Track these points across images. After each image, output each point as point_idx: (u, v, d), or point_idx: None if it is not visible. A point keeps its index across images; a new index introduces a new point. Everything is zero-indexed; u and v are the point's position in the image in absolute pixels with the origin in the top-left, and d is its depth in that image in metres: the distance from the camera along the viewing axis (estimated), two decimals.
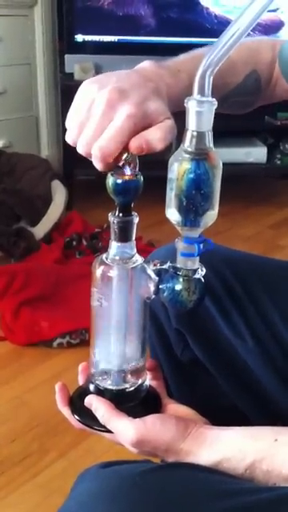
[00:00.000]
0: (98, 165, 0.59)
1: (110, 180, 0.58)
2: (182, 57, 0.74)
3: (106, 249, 0.62)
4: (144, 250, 1.77)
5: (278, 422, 0.60)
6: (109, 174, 0.59)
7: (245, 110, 0.85)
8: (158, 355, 0.86)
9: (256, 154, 2.76)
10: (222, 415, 0.65)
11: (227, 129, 2.49)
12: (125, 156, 0.58)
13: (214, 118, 0.55)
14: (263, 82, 0.83)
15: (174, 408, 0.66)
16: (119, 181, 0.58)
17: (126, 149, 0.58)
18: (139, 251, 0.62)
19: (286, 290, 0.82)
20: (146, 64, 0.68)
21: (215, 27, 2.58)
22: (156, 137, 0.58)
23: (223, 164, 0.57)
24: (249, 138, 2.84)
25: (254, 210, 2.72)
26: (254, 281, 0.81)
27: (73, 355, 1.64)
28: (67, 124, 0.63)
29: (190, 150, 0.55)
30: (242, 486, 0.54)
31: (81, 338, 1.68)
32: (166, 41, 2.58)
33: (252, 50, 0.82)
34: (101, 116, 0.59)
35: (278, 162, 2.83)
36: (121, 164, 0.59)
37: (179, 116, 0.56)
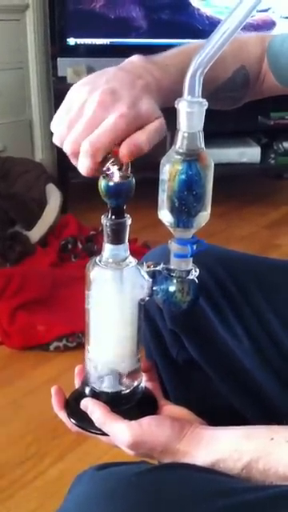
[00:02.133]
0: (86, 161, 0.59)
1: (102, 183, 0.58)
2: (170, 52, 0.74)
3: (101, 251, 0.62)
4: (139, 251, 1.78)
5: (274, 421, 0.60)
6: (101, 177, 0.59)
7: (233, 105, 0.85)
8: (153, 356, 0.86)
9: (250, 154, 2.77)
10: (218, 415, 0.65)
11: (221, 129, 2.51)
12: (111, 161, 0.59)
13: (208, 118, 0.55)
14: (252, 78, 0.83)
15: (170, 409, 0.66)
16: (111, 183, 0.58)
17: (112, 153, 0.58)
18: (134, 253, 0.62)
19: (280, 289, 0.82)
20: (135, 58, 0.68)
21: (207, 28, 2.58)
22: (143, 139, 0.59)
23: (217, 164, 0.57)
24: (242, 138, 2.85)
25: (248, 209, 2.73)
26: (249, 280, 0.81)
27: (70, 358, 1.64)
28: (55, 122, 0.63)
29: (181, 151, 0.55)
30: (238, 486, 0.54)
31: (77, 341, 1.68)
32: (159, 42, 2.59)
33: (241, 46, 0.82)
34: (92, 115, 0.59)
35: (272, 162, 2.83)
36: (105, 168, 0.59)
37: (173, 115, 0.56)
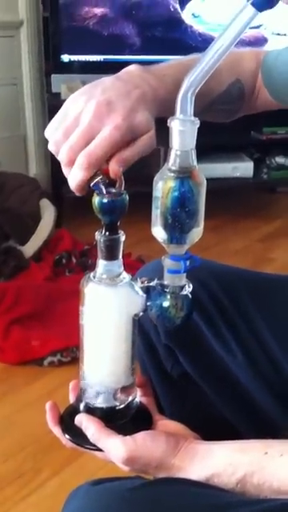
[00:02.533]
0: (79, 173, 0.60)
1: (96, 199, 0.59)
2: (168, 62, 0.75)
3: (95, 266, 0.63)
4: (133, 266, 1.78)
5: (268, 435, 0.60)
6: (95, 194, 0.59)
7: (228, 118, 0.85)
8: (148, 371, 0.86)
9: (243, 168, 2.79)
10: (213, 430, 0.65)
11: (214, 144, 2.53)
12: (99, 177, 0.60)
13: (201, 133, 0.56)
14: (247, 91, 0.83)
15: (165, 424, 0.66)
16: (105, 200, 0.59)
17: (101, 170, 0.59)
18: (128, 267, 0.63)
19: (273, 303, 0.83)
20: (132, 68, 0.69)
21: (199, 45, 2.61)
22: (132, 155, 0.60)
23: (211, 179, 0.58)
24: (235, 153, 2.86)
25: (242, 223, 2.74)
26: (242, 295, 0.82)
27: (64, 373, 1.63)
28: (50, 129, 0.64)
29: (173, 168, 0.56)
30: (233, 500, 0.54)
31: (72, 355, 1.68)
32: (152, 59, 2.61)
33: (237, 59, 0.83)
34: (88, 125, 0.60)
35: (265, 176, 2.85)
36: (92, 184, 0.60)
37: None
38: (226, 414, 0.84)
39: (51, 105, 2.58)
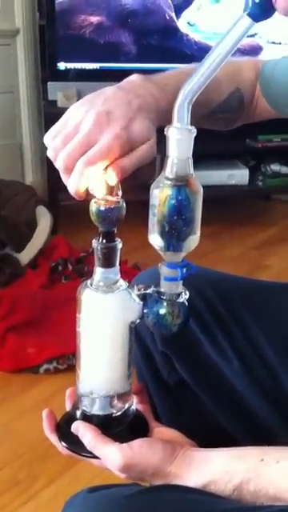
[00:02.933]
0: (78, 180, 0.60)
1: (94, 207, 0.59)
2: (170, 72, 0.75)
3: (91, 273, 0.63)
4: (129, 272, 1.78)
5: (264, 441, 0.60)
6: (92, 202, 0.60)
7: (227, 127, 0.86)
8: (144, 378, 0.86)
9: (238, 176, 2.80)
10: (209, 437, 0.66)
11: (210, 152, 2.54)
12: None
13: (197, 141, 0.57)
14: (246, 101, 0.84)
15: (161, 431, 0.66)
16: (102, 208, 0.59)
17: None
18: (125, 274, 0.63)
19: (269, 310, 0.83)
20: (134, 78, 0.69)
21: (195, 53, 2.62)
22: (130, 164, 0.61)
23: (206, 186, 0.58)
24: (231, 161, 2.88)
25: (237, 231, 2.75)
26: (238, 302, 0.82)
27: (60, 381, 1.63)
28: (49, 136, 0.64)
29: (170, 176, 0.56)
30: (229, 507, 0.54)
31: (68, 363, 1.67)
32: (147, 67, 2.62)
33: (235, 69, 0.83)
34: (87, 133, 0.61)
35: (260, 184, 2.87)
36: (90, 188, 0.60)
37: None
38: (223, 420, 0.84)
39: (47, 112, 2.59)
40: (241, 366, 0.80)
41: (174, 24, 2.60)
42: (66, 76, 2.58)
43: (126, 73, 2.51)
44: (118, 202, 0.60)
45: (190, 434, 0.65)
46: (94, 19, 2.52)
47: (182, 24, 2.61)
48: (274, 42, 2.71)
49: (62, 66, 2.56)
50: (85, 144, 0.61)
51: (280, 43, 2.72)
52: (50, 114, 2.56)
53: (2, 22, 2.57)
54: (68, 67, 2.57)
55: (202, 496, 0.56)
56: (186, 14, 2.61)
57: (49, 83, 2.56)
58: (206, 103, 0.77)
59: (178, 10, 2.59)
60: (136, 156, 0.62)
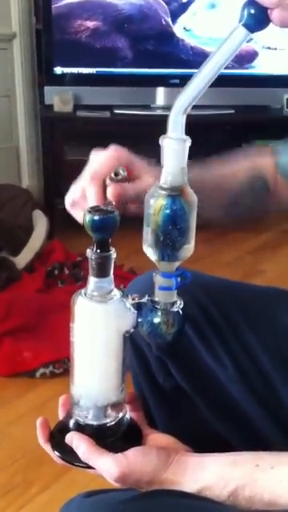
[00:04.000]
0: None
1: (87, 217, 0.59)
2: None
3: (88, 278, 0.63)
4: (125, 277, 1.78)
5: (259, 447, 0.61)
6: (85, 211, 0.59)
7: (257, 214, 0.85)
8: (139, 382, 0.86)
9: None
10: (204, 442, 0.65)
11: (206, 157, 2.54)
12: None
13: (193, 146, 0.57)
14: (271, 184, 0.83)
15: (155, 438, 0.66)
16: (96, 217, 0.58)
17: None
18: (121, 279, 0.62)
19: (263, 315, 0.83)
20: None
21: (191, 58, 2.63)
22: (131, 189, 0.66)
23: None
24: None
25: (232, 235, 2.75)
26: (233, 307, 0.82)
27: (56, 385, 1.63)
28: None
29: (165, 186, 0.56)
30: None
31: (64, 367, 1.67)
32: (143, 72, 2.63)
33: (253, 160, 0.83)
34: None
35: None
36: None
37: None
38: (218, 426, 0.84)
39: (44, 116, 2.60)
40: (235, 371, 0.80)
41: (170, 29, 2.61)
42: (62, 80, 2.58)
43: (123, 77, 2.54)
44: (112, 211, 0.60)
45: (186, 440, 0.65)
46: (91, 24, 2.53)
47: (178, 29, 2.62)
48: (269, 48, 2.72)
49: (58, 70, 2.57)
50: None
51: (275, 48, 2.73)
52: (46, 118, 2.57)
53: None
54: (64, 71, 2.58)
55: (197, 501, 0.56)
56: (182, 20, 2.62)
57: (45, 87, 2.57)
58: (226, 190, 0.78)
59: (174, 16, 2.60)
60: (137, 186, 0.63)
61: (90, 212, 0.59)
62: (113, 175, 0.64)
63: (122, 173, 0.64)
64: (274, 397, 0.79)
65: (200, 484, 0.57)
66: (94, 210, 0.60)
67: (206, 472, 0.58)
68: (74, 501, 0.58)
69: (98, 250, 0.60)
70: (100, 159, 0.68)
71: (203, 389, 0.83)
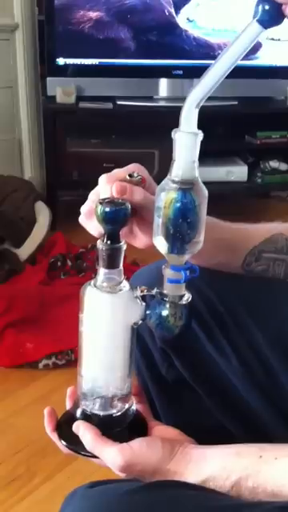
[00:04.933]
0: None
1: (99, 208, 0.59)
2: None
3: (90, 269, 0.63)
4: (128, 269, 1.78)
5: (262, 439, 0.61)
6: (97, 202, 0.60)
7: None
8: (142, 374, 0.86)
9: (237, 172, 2.80)
10: (208, 434, 0.66)
11: (209, 148, 2.53)
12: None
13: None
14: None
15: (160, 429, 0.66)
16: (107, 209, 0.59)
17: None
18: (124, 270, 0.63)
19: (267, 309, 0.83)
20: None
21: (194, 49, 2.62)
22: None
23: (205, 183, 0.58)
24: (230, 157, 2.88)
25: None
26: (237, 300, 0.82)
27: (59, 376, 1.63)
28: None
29: (176, 179, 0.57)
30: (229, 503, 0.55)
31: (67, 358, 1.68)
32: (146, 63, 2.62)
33: (267, 226, 0.84)
34: None
35: (259, 181, 2.87)
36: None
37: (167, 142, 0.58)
38: (221, 417, 0.84)
39: (46, 108, 2.59)
40: (239, 363, 0.80)
41: (173, 20, 2.60)
42: (64, 71, 2.57)
43: (125, 68, 2.54)
44: (124, 203, 0.60)
45: (189, 432, 0.65)
46: (93, 15, 2.52)
47: (181, 20, 2.61)
48: (273, 39, 2.71)
49: (61, 61, 2.56)
50: None
51: (279, 39, 2.72)
52: (48, 109, 2.56)
53: (1, 17, 2.56)
54: (67, 63, 2.57)
55: (201, 492, 0.57)
56: (186, 10, 2.60)
57: (48, 79, 2.56)
58: (245, 241, 0.79)
59: (178, 6, 2.59)
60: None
61: (101, 203, 0.59)
62: (127, 177, 0.63)
63: (137, 176, 0.64)
64: (277, 389, 0.79)
65: (203, 475, 0.58)
66: (105, 201, 0.60)
67: (210, 463, 0.59)
68: (77, 491, 0.58)
69: (109, 242, 0.60)
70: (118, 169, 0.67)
71: (206, 381, 0.83)
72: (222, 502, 0.55)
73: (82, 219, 0.67)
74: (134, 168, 0.66)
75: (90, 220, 0.65)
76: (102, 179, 0.64)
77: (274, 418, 0.79)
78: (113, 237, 0.60)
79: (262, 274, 0.78)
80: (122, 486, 0.56)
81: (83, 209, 0.67)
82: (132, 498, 0.54)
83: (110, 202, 0.60)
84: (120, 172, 0.64)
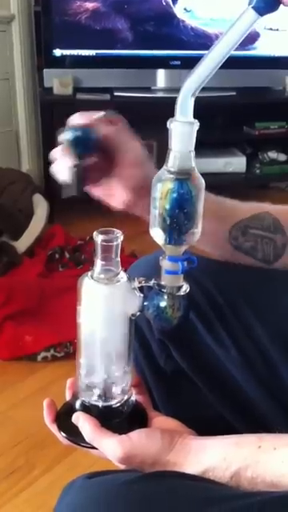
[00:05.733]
0: None
1: (65, 132, 0.63)
2: None
3: (88, 261, 0.63)
4: (126, 260, 1.77)
5: (262, 429, 0.61)
6: (64, 129, 0.64)
7: (278, 254, 0.79)
8: (141, 365, 0.86)
9: (236, 163, 2.80)
10: (207, 425, 0.66)
11: (207, 139, 2.54)
12: None
13: None
14: (283, 225, 0.79)
15: (160, 420, 0.66)
16: (73, 130, 0.63)
17: None
18: (121, 262, 0.63)
19: (266, 299, 0.83)
20: None
21: (191, 39, 2.61)
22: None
23: (204, 174, 0.58)
24: (228, 148, 2.87)
25: None
26: (236, 291, 0.82)
27: (58, 368, 1.63)
28: None
29: (172, 170, 0.56)
30: (228, 493, 0.55)
31: (65, 350, 1.68)
32: (144, 54, 2.61)
33: (255, 204, 0.81)
34: None
35: (257, 172, 2.87)
36: None
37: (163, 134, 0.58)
38: (220, 408, 0.84)
39: (43, 99, 2.58)
40: (237, 354, 0.80)
41: (170, 10, 2.58)
42: (61, 63, 2.56)
43: (123, 59, 2.52)
44: (89, 128, 0.62)
45: (188, 423, 0.65)
46: (90, 5, 2.50)
47: (178, 10, 2.59)
48: (271, 29, 2.70)
49: (57, 52, 2.55)
50: None
51: (277, 29, 2.71)
52: (46, 101, 2.55)
53: None
54: (64, 54, 2.56)
55: (200, 482, 0.56)
56: (183, 0, 2.59)
57: (45, 70, 2.54)
58: (229, 216, 0.77)
59: None
60: None
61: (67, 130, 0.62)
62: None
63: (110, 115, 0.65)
64: (276, 379, 0.79)
65: (203, 466, 0.58)
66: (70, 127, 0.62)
67: (209, 454, 0.59)
68: (76, 482, 0.58)
69: (105, 233, 0.60)
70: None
71: (205, 371, 0.83)
72: (221, 492, 0.55)
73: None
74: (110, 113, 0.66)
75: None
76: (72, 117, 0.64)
77: (272, 409, 0.79)
78: (109, 228, 0.60)
79: (251, 253, 0.77)
80: (121, 477, 0.56)
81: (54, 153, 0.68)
82: (130, 488, 0.53)
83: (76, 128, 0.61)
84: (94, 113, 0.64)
